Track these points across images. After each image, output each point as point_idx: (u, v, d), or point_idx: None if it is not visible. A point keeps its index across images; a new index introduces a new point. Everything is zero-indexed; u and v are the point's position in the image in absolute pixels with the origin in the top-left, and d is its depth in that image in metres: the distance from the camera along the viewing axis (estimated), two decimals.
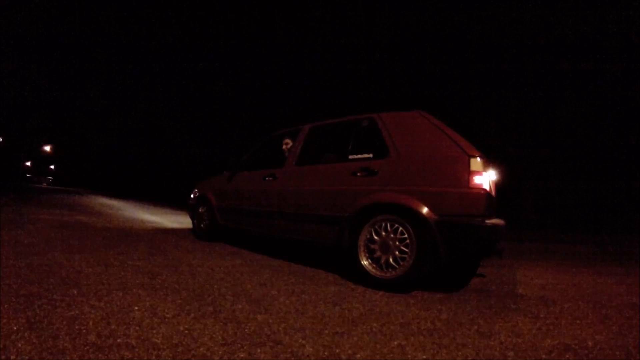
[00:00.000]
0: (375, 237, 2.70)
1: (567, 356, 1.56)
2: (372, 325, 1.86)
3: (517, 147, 15.04)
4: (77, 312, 1.71)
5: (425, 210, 2.47)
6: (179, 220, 7.89)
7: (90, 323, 1.59)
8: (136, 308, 1.83)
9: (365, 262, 2.72)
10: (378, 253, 2.68)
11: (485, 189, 2.40)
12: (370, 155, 2.92)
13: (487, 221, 2.40)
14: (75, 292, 2.00)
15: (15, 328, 1.48)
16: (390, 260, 2.61)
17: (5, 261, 2.57)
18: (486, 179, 2.45)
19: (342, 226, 2.90)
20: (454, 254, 2.47)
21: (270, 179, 3.70)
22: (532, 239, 8.30)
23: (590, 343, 1.72)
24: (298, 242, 3.43)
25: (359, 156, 2.99)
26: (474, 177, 2.39)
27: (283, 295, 2.31)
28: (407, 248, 2.56)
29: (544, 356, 1.55)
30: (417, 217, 2.50)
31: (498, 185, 3.18)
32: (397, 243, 2.59)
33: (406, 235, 2.56)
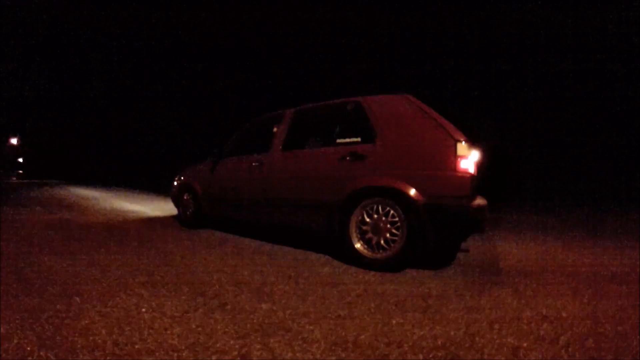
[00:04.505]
0: (367, 220, 2.81)
1: (544, 326, 1.78)
2: (370, 305, 2.01)
3: (517, 147, 15.36)
4: (86, 321, 1.73)
5: (414, 193, 2.59)
6: (160, 207, 7.80)
7: (104, 332, 1.62)
8: (144, 309, 1.87)
9: (357, 245, 2.84)
10: (370, 235, 2.80)
11: (471, 173, 2.53)
12: (359, 140, 2.97)
13: (473, 203, 2.54)
14: (78, 300, 2.01)
15: (28, 348, 1.47)
16: (382, 241, 2.74)
17: None
18: (471, 162, 2.57)
19: (333, 210, 2.98)
20: (441, 235, 2.61)
21: (256, 164, 3.69)
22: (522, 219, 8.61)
23: (564, 314, 1.95)
24: (287, 229, 3.50)
25: (347, 140, 3.04)
26: (460, 161, 2.50)
27: (281, 282, 2.41)
28: (397, 230, 2.69)
29: (524, 327, 1.76)
30: (406, 199, 2.61)
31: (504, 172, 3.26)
32: (388, 225, 2.71)
33: (397, 218, 2.68)
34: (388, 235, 2.72)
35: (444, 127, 2.64)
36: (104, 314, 1.82)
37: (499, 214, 7.34)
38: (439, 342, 1.57)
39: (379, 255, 2.74)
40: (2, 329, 1.64)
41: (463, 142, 2.55)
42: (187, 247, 3.48)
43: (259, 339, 1.57)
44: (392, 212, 2.71)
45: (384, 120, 2.86)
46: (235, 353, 1.45)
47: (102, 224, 5.18)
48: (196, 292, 2.15)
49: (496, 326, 1.74)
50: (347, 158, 2.93)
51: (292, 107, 3.71)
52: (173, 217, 5.83)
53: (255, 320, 1.76)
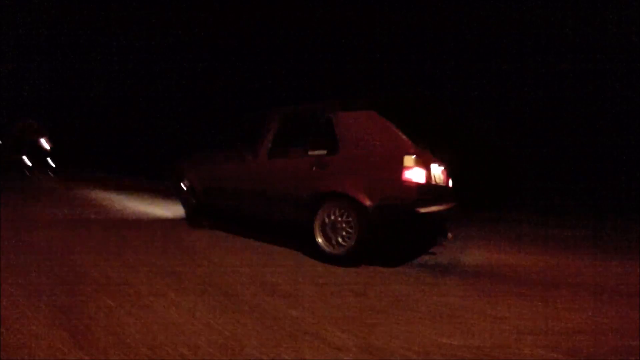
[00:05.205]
0: (326, 220, 3.19)
1: (579, 338, 1.77)
2: (398, 313, 2.02)
3: (517, 147, 15.28)
4: (118, 322, 1.75)
5: (363, 198, 2.94)
6: (171, 208, 8.02)
7: (135, 333, 1.63)
8: (174, 312, 1.89)
9: (319, 240, 3.22)
10: (329, 233, 3.16)
11: (415, 182, 2.84)
12: (325, 152, 3.33)
13: (420, 209, 2.84)
14: (109, 300, 2.03)
15: (60, 345, 1.49)
16: (340, 239, 3.09)
17: (29, 270, 2.53)
18: (418, 173, 2.88)
19: (303, 211, 3.36)
20: (389, 235, 3.00)
21: (246, 167, 4.06)
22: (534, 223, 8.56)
23: (593, 327, 1.94)
24: (273, 223, 3.94)
25: (316, 152, 3.41)
26: (405, 172, 2.84)
27: (310, 288, 2.43)
28: (351, 230, 3.03)
29: (558, 338, 1.73)
30: (357, 204, 2.96)
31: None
32: (344, 225, 3.07)
33: (350, 219, 3.03)
34: (344, 233, 3.06)
35: (397, 141, 3.00)
36: (135, 316, 1.84)
37: (500, 215, 7.26)
38: (469, 353, 1.55)
39: (336, 251, 3.10)
40: (35, 326, 1.67)
41: (412, 155, 2.87)
42: (213, 250, 3.48)
43: (290, 345, 1.58)
44: (346, 213, 3.07)
45: (347, 135, 3.23)
46: (266, 358, 1.46)
47: (123, 223, 5.27)
48: (225, 296, 2.16)
49: (527, 338, 1.72)
50: (314, 168, 3.33)
51: (282, 106, 4.07)
52: (183, 218, 5.93)
53: (285, 327, 1.77)
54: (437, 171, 3.28)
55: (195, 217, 5.02)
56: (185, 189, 5.17)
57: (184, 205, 5.29)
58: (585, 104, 15.09)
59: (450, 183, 3.86)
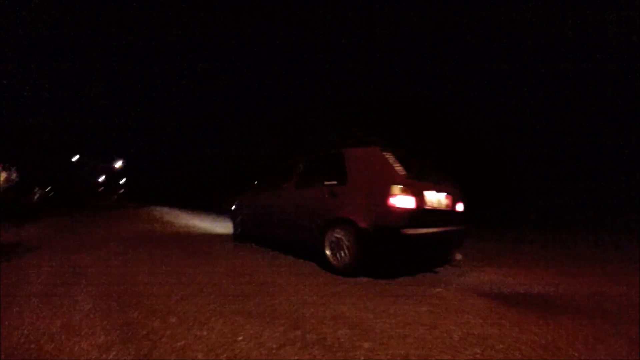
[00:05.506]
0: (333, 239, 3.71)
1: None
2: (475, 350, 1.78)
3: (517, 147, 14.75)
4: (183, 343, 1.69)
5: (361, 221, 3.41)
6: (222, 225, 8.22)
7: (200, 356, 1.57)
8: (240, 338, 1.79)
9: (328, 253, 3.76)
10: (335, 249, 3.68)
11: (401, 207, 3.24)
12: (335, 183, 3.88)
13: (407, 230, 3.21)
14: (174, 320, 1.98)
15: None
16: (343, 254, 3.57)
17: (97, 285, 2.64)
18: (405, 199, 3.27)
19: (317, 231, 3.94)
20: (381, 253, 3.34)
21: (278, 198, 4.86)
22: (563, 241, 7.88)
23: None
24: (296, 243, 4.48)
25: (330, 183, 3.96)
26: (392, 199, 3.26)
27: (380, 318, 2.22)
28: (352, 247, 3.49)
29: None
30: (356, 227, 3.45)
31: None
32: (347, 242, 3.55)
33: (351, 238, 3.50)
34: (347, 248, 3.53)
35: (391, 172, 3.42)
36: (200, 338, 1.77)
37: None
38: None
39: (339, 264, 3.58)
40: (102, 338, 1.68)
41: (399, 185, 3.29)
42: (275, 274, 3.44)
43: None
44: (347, 233, 3.54)
45: (353, 168, 3.76)
46: None
47: (183, 237, 5.44)
48: (292, 325, 2.03)
49: None
50: (326, 196, 3.89)
51: (302, 155, 4.90)
52: (232, 235, 6.29)
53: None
54: (437, 197, 3.67)
55: (241, 235, 5.98)
56: (235, 212, 6.33)
57: (234, 225, 6.33)
58: (585, 104, 14.29)
59: (461, 207, 4.17)
